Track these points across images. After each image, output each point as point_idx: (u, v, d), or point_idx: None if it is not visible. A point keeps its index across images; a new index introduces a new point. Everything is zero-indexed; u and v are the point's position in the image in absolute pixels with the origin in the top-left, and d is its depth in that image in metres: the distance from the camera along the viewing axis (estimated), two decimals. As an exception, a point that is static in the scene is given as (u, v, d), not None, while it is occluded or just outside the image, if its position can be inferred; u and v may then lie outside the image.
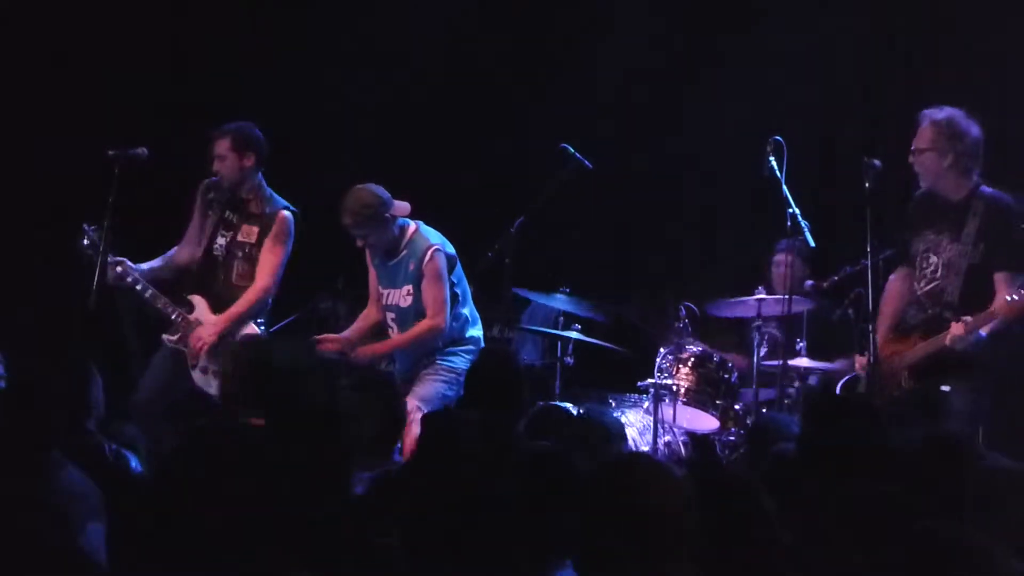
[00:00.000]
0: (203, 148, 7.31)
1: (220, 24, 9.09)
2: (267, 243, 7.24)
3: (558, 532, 3.93)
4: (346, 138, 9.15)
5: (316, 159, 9.08)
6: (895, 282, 6.72)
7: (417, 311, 7.26)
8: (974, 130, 6.49)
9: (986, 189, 6.51)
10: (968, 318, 6.21)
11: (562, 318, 8.13)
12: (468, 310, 7.36)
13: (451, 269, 7.26)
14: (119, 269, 7.05)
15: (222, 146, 7.23)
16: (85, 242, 7.03)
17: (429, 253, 7.21)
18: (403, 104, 9.22)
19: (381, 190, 7.24)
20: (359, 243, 7.27)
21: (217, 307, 7.20)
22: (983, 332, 6.23)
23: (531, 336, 8.52)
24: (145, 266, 7.20)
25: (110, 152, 7.01)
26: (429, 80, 9.29)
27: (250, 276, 7.24)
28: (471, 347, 7.26)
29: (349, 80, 9.22)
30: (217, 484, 3.23)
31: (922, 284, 6.52)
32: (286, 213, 7.30)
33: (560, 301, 8.00)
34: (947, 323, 6.32)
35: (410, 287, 7.26)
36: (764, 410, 7.43)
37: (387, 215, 7.21)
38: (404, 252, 7.29)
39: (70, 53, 8.83)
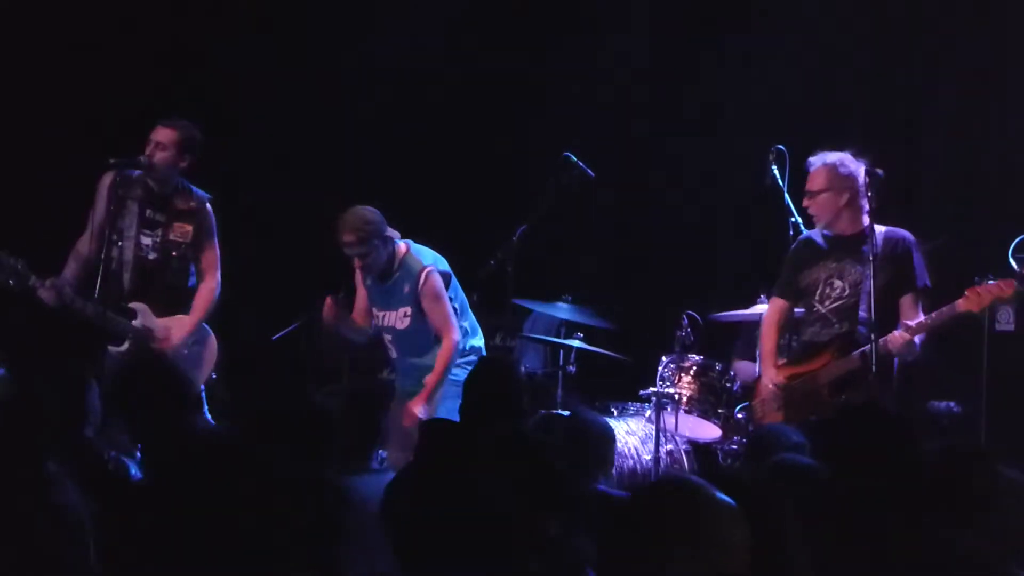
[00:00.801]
0: (206, 158, 7.27)
1: (220, 34, 9.08)
2: (204, 242, 7.10)
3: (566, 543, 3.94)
4: (347, 147, 9.14)
5: (316, 168, 9.08)
6: (774, 313, 6.93)
7: (416, 332, 7.18)
8: (857, 169, 6.68)
9: (878, 227, 6.66)
10: (910, 323, 6.45)
11: (564, 327, 8.12)
12: (468, 322, 7.32)
13: (446, 285, 7.21)
14: (54, 292, 6.79)
15: (168, 136, 7.00)
16: (5, 276, 6.74)
17: (424, 275, 7.13)
18: (404, 112, 9.21)
19: (376, 211, 7.19)
20: (357, 263, 7.15)
21: (160, 310, 7.02)
22: (918, 340, 6.48)
23: (533, 344, 8.50)
24: (68, 276, 6.93)
25: (111, 160, 6.98)
26: (429, 88, 9.28)
27: (185, 275, 7.09)
28: (473, 357, 7.20)
29: (349, 88, 9.21)
30: (212, 488, 3.24)
31: (827, 304, 6.72)
32: (209, 207, 7.17)
33: (562, 310, 7.99)
34: (862, 338, 6.52)
35: (407, 309, 7.18)
36: (740, 418, 7.44)
37: (385, 234, 7.15)
38: (398, 274, 7.19)
39: (70, 61, 8.82)
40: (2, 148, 8.59)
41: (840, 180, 6.67)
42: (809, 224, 7.05)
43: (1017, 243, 7.49)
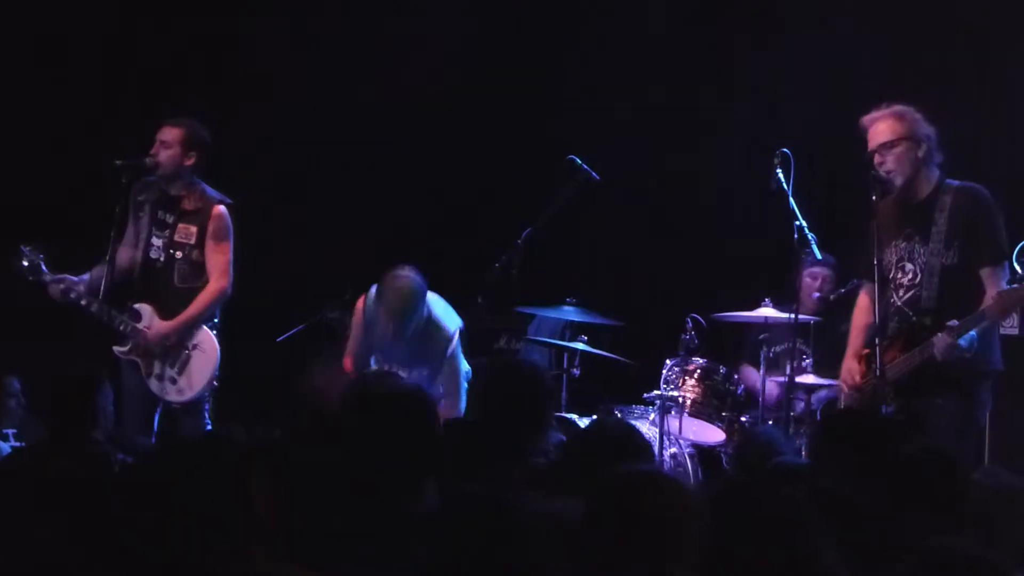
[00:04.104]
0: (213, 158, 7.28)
1: (225, 37, 9.11)
2: (210, 243, 7.05)
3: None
4: (354, 151, 9.15)
5: (322, 171, 9.10)
6: (863, 297, 6.49)
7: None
8: (925, 121, 6.20)
9: (952, 182, 6.18)
10: (954, 322, 5.88)
11: (569, 330, 8.12)
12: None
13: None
14: (62, 287, 6.91)
15: (171, 135, 7.00)
16: (24, 263, 6.92)
17: (453, 344, 7.23)
18: (411, 116, 9.21)
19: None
20: (391, 329, 7.13)
21: (164, 313, 7.03)
22: (974, 333, 5.90)
23: (537, 347, 8.50)
24: (88, 278, 6.99)
25: (118, 162, 7.00)
26: (437, 91, 9.29)
27: (193, 278, 7.06)
28: None
29: (356, 93, 9.22)
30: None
31: (900, 293, 6.18)
32: (221, 208, 7.09)
33: (567, 313, 7.99)
34: (925, 331, 6.02)
35: (425, 371, 7.19)
36: (744, 421, 7.45)
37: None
38: (421, 334, 7.19)
39: (73, 62, 8.85)
40: (9, 147, 8.64)
41: (918, 126, 6.09)
42: (815, 229, 7.02)
43: (1022, 247, 7.47)
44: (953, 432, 5.91)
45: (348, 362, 7.34)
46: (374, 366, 7.26)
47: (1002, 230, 6.13)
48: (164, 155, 7.00)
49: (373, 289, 7.29)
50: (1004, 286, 5.92)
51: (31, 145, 8.66)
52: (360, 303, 7.36)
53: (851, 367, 6.34)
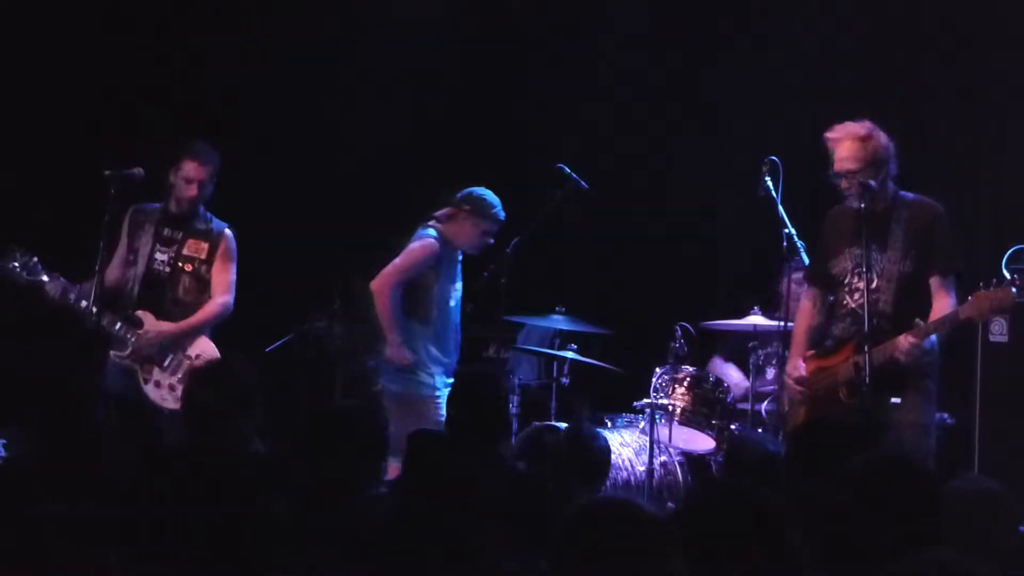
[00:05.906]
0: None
1: (219, 46, 9.10)
2: (218, 262, 7.19)
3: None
4: (342, 160, 9.14)
5: (310, 178, 9.08)
6: (806, 302, 6.64)
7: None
8: (885, 138, 6.34)
9: (906, 194, 6.38)
10: (920, 322, 6.06)
11: (558, 338, 8.11)
12: None
13: None
14: (60, 285, 6.94)
15: (202, 172, 7.13)
16: (16, 264, 6.95)
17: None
18: (399, 125, 9.20)
19: None
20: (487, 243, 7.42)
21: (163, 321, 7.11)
22: (933, 337, 6.13)
23: (527, 356, 8.50)
24: (81, 286, 6.99)
25: (106, 172, 6.99)
26: (426, 100, 9.29)
27: (196, 291, 7.16)
28: None
29: (345, 100, 9.22)
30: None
31: (855, 296, 6.30)
32: (230, 232, 7.27)
33: (556, 321, 7.98)
34: (881, 334, 6.12)
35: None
36: (733, 427, 7.45)
37: None
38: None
39: (66, 70, 8.83)
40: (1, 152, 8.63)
41: (879, 151, 6.28)
42: (804, 237, 7.02)
43: (1011, 254, 7.47)
44: (914, 430, 6.11)
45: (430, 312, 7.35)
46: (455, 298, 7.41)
47: (956, 243, 6.33)
48: (195, 192, 7.12)
49: (433, 232, 7.35)
50: (952, 298, 6.13)
51: (14, 153, 8.65)
52: (434, 245, 7.33)
53: (793, 367, 6.49)
